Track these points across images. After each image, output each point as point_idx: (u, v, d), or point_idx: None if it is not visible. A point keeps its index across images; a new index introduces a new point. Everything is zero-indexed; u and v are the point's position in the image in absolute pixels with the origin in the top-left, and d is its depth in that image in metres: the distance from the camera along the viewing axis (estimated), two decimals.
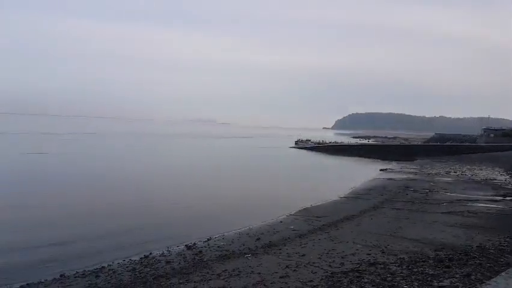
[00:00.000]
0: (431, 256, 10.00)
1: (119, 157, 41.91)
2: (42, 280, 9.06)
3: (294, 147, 67.94)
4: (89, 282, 8.91)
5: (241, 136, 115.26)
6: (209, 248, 11.63)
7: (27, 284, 8.79)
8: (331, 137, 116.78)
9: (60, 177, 25.52)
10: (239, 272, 9.19)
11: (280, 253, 10.73)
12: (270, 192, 23.46)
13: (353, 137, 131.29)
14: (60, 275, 9.38)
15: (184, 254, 11.01)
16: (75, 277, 9.30)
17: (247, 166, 39.58)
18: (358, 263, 9.48)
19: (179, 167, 35.56)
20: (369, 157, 51.30)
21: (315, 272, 8.95)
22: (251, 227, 14.28)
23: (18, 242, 11.61)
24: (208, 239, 12.62)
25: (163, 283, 8.67)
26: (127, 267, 10.03)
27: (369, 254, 10.28)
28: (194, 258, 10.57)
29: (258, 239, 12.47)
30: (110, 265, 10.19)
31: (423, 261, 9.51)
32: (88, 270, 9.74)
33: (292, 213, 16.65)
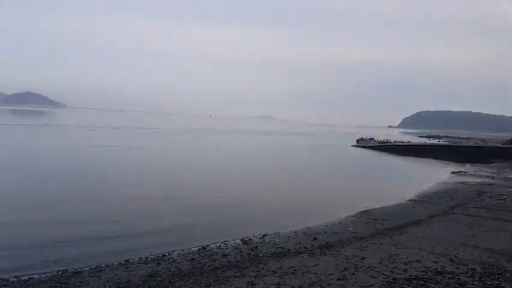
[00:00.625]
0: (508, 269, 9.04)
1: (191, 153, 43.77)
2: (109, 264, 9.70)
3: (356, 146, 65.85)
4: (151, 268, 9.34)
5: (299, 133, 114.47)
6: (264, 244, 11.62)
7: (96, 267, 9.45)
8: (396, 135, 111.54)
9: (128, 172, 27.27)
10: (294, 270, 9.06)
11: (338, 255, 10.40)
12: (328, 192, 22.91)
13: (421, 137, 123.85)
14: (125, 261, 9.96)
15: (240, 248, 11.13)
16: (138, 263, 9.83)
17: (304, 164, 39.13)
18: (423, 271, 8.87)
19: (240, 165, 36.18)
20: (439, 158, 48.01)
21: (375, 277, 8.53)
22: (308, 226, 14.03)
23: (88, 232, 12.45)
24: (264, 235, 12.62)
25: (219, 275, 8.82)
26: (186, 256, 10.38)
27: (436, 262, 9.56)
28: (250, 253, 10.62)
29: (315, 238, 12.21)
30: (170, 254, 10.62)
31: (499, 274, 8.63)
32: (150, 258, 10.24)
33: (352, 214, 16.07)
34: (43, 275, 8.78)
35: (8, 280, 8.43)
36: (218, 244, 11.62)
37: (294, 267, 9.33)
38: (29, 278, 8.61)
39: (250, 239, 12.14)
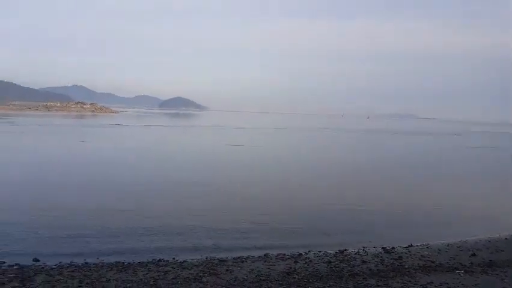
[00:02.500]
0: None
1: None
2: (250, 256, 10.18)
3: None
4: (289, 266, 9.41)
5: (448, 133, 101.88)
6: (410, 255, 10.53)
7: (239, 258, 10.02)
8: None
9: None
10: (448, 287, 7.92)
11: (504, 276, 8.81)
12: (489, 202, 19.55)
13: None
14: (264, 255, 10.33)
15: (381, 257, 10.32)
16: (276, 259, 10.04)
17: (456, 169, 34.44)
18: None
19: (380, 169, 34.20)
20: None
21: None
22: (464, 239, 12.24)
23: (226, 221, 13.49)
24: (409, 246, 11.47)
25: (359, 282, 8.32)
26: (322, 258, 10.15)
27: None
28: (393, 263, 9.75)
29: (474, 254, 10.53)
30: (307, 254, 10.56)
31: None
32: (287, 255, 10.35)
33: None
34: (194, 260, 9.73)
35: (167, 261, 9.62)
36: (356, 250, 11.03)
37: (447, 283, 8.21)
38: (184, 261, 9.64)
39: (393, 248, 11.18)
